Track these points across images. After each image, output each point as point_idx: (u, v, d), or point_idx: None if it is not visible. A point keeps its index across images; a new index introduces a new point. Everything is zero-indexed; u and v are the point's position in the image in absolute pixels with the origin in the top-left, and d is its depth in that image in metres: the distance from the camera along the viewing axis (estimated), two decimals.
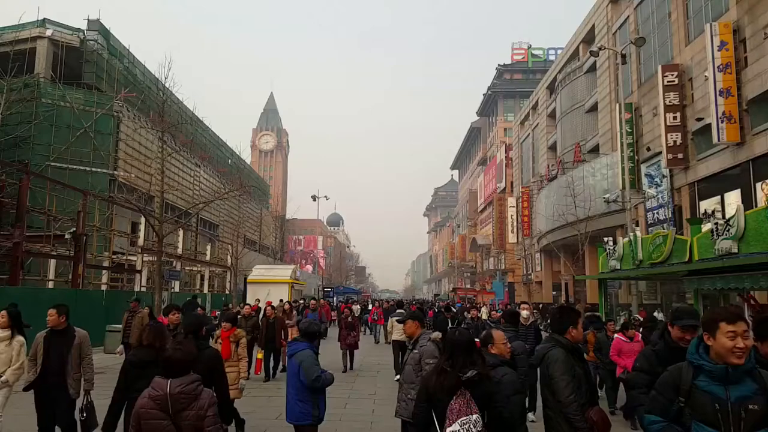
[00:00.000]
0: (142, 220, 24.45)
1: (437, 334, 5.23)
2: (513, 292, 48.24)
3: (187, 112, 28.68)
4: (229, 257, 34.71)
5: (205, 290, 31.58)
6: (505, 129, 62.30)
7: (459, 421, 3.19)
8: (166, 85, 19.25)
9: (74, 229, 19.10)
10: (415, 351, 4.87)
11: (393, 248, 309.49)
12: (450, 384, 3.33)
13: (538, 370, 4.05)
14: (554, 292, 37.92)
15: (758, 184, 16.15)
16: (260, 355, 11.29)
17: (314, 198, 51.86)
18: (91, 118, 26.02)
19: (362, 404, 9.22)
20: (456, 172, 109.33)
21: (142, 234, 25.48)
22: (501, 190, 53.92)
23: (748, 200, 15.78)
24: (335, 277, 75.21)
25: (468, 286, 66.30)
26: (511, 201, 48.33)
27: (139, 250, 24.44)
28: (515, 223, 46.48)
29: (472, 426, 3.17)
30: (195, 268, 32.53)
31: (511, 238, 47.56)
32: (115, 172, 26.48)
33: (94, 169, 25.59)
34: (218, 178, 38.59)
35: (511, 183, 51.83)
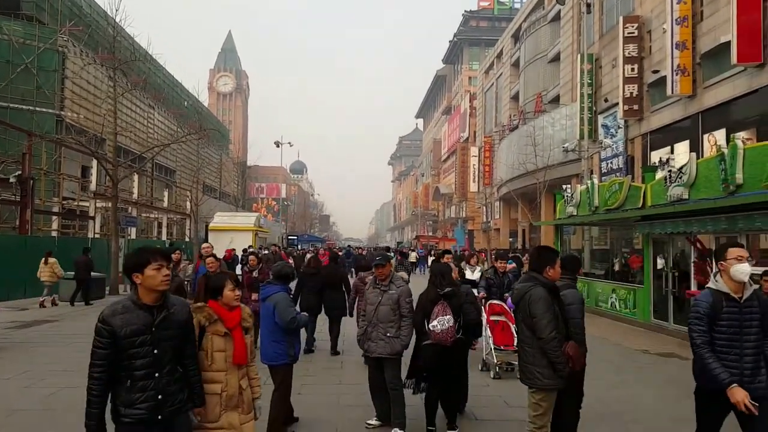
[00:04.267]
0: (94, 163, 23.56)
1: (403, 274, 6.57)
2: (473, 239, 49.49)
3: (140, 50, 27.18)
4: (188, 204, 34.04)
5: (164, 238, 31.08)
6: (469, 78, 61.87)
7: (437, 319, 4.84)
8: (117, 19, 18.16)
9: (19, 172, 18.28)
10: (392, 291, 5.11)
11: (357, 197, 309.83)
12: (432, 296, 5.02)
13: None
14: (511, 239, 39.06)
15: (705, 136, 16.75)
16: None
17: (277, 144, 51.02)
18: (32, 53, 24.39)
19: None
20: (420, 121, 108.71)
21: (94, 178, 24.62)
22: (464, 140, 54.15)
23: (695, 151, 16.34)
24: (299, 226, 75.09)
25: (430, 233, 67.45)
26: (474, 150, 48.66)
27: (92, 196, 23.68)
28: (477, 173, 47.03)
29: (445, 322, 4.83)
30: (152, 215, 31.83)
31: (473, 187, 48.23)
32: (62, 113, 25.16)
33: (38, 109, 24.25)
34: (174, 120, 37.23)
35: (475, 132, 52.04)
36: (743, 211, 8.97)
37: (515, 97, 39.41)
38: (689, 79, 16.96)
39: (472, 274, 9.46)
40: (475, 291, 8.59)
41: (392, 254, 24.04)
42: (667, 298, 11.83)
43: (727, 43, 14.77)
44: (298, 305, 9.11)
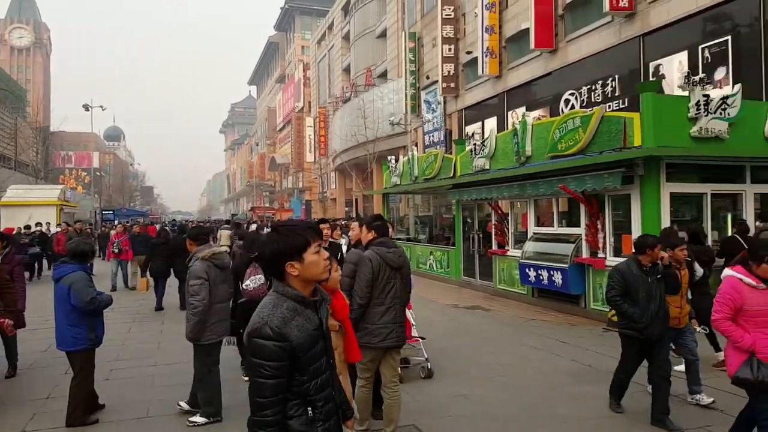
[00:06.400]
0: None
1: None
2: (310, 210, 49.85)
3: None
4: None
5: None
6: (302, 47, 61.12)
7: (250, 279, 5.48)
8: None
9: None
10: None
11: (186, 167, 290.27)
12: (245, 259, 5.76)
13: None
14: (346, 208, 40.24)
15: (510, 113, 18.96)
16: None
17: (87, 107, 45.09)
18: None
19: (149, 326, 8.93)
20: (254, 88, 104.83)
21: None
22: (299, 110, 53.72)
23: (502, 126, 18.48)
24: (116, 199, 68.05)
25: (267, 204, 66.28)
26: (309, 121, 48.67)
27: None
28: (313, 143, 47.22)
29: (257, 281, 5.45)
30: None
31: (309, 157, 48.42)
32: None
33: None
34: None
35: (309, 103, 51.91)
36: (531, 179, 10.45)
37: (347, 70, 40.07)
38: (496, 61, 18.95)
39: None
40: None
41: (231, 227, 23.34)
42: (474, 257, 13.36)
43: (527, 30, 16.76)
44: (148, 271, 11.23)
